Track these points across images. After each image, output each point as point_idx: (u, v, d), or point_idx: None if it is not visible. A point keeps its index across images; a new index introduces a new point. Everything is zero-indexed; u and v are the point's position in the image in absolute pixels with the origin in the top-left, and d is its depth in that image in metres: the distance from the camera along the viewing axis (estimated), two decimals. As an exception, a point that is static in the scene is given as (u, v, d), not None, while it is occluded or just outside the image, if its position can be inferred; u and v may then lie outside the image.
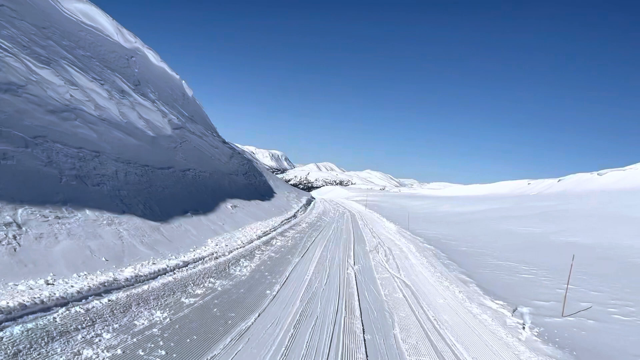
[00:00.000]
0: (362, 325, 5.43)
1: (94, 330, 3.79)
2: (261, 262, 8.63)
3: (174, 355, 3.68)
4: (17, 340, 3.30)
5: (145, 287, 5.26)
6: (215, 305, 5.37)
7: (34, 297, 3.87)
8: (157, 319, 4.46)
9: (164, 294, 5.27)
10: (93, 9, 15.85)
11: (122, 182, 10.00)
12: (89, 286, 4.52)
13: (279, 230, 13.78)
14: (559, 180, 48.15)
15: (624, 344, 5.59)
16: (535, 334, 5.81)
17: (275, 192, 25.40)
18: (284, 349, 4.28)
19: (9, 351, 3.11)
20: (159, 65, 20.06)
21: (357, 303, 6.52)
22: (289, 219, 17.36)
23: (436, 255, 12.16)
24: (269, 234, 12.51)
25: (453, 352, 4.91)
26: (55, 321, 3.72)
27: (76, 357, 3.31)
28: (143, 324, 4.24)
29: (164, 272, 6.07)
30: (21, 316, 3.61)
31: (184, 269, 6.60)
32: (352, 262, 9.84)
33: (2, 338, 3.27)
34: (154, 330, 4.14)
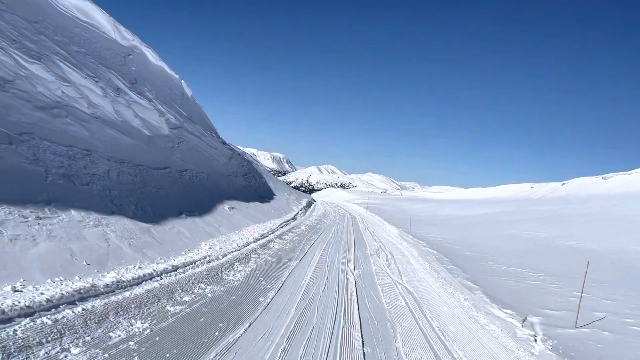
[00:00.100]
0: (362, 337, 5.02)
1: (60, 345, 3.40)
2: (257, 267, 8.23)
3: (151, 372, 3.28)
4: (-29, 356, 2.92)
5: (127, 293, 4.86)
6: (203, 314, 4.97)
7: (-4, 306, 3.48)
8: (136, 330, 4.06)
9: (147, 302, 4.87)
10: (89, 5, 15.54)
11: (114, 181, 9.62)
12: (62, 293, 4.13)
13: (277, 232, 13.37)
14: (563, 184, 47.61)
15: (645, 360, 5.17)
16: (549, 347, 5.39)
17: (275, 194, 25.01)
18: (275, 364, 3.87)
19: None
20: (157, 64, 19.72)
21: (356, 311, 6.11)
22: (288, 221, 16.96)
23: (439, 260, 11.75)
24: (267, 236, 12.11)
25: (460, 368, 4.50)
26: (16, 334, 3.33)
27: (38, 375, 2.92)
28: (119, 336, 3.85)
29: (150, 277, 5.67)
30: (-25, 328, 3.22)
31: (172, 273, 6.20)
32: (352, 267, 9.43)
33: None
34: (131, 343, 3.74)
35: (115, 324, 4.06)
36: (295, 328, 4.97)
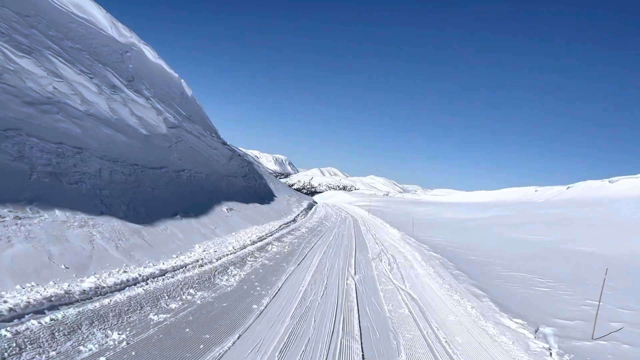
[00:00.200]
0: (362, 351, 4.60)
1: (19, 361, 3.00)
2: (252, 271, 7.82)
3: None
4: None
5: (107, 300, 4.46)
6: (190, 323, 4.57)
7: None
8: (111, 342, 3.66)
9: (128, 310, 4.46)
10: (86, 1, 15.23)
11: (105, 181, 9.25)
12: (29, 301, 3.74)
13: (276, 235, 12.96)
14: (568, 187, 47.00)
15: (671, 377, 4.73)
16: (566, 362, 4.96)
17: (275, 196, 24.62)
18: (264, 382, 3.46)
19: None
20: (156, 62, 19.39)
21: (356, 320, 5.69)
22: (288, 223, 16.55)
23: (443, 265, 11.31)
24: (265, 239, 11.70)
25: (471, 386, 4.08)
26: (-34, 350, 2.94)
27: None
28: (91, 350, 3.45)
29: (135, 282, 5.27)
30: None
31: (159, 278, 5.79)
32: (353, 272, 9.01)
33: None
34: (102, 359, 3.34)
35: (87, 336, 3.66)
36: (290, 340, 4.56)
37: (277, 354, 4.12)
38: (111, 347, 3.59)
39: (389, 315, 6.21)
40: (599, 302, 6.58)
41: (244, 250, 9.59)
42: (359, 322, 5.64)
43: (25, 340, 3.27)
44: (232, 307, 5.45)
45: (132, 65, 15.96)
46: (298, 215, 20.43)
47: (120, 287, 4.93)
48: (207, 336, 4.26)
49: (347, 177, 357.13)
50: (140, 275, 5.48)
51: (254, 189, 21.68)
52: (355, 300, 6.76)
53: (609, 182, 40.15)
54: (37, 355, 3.13)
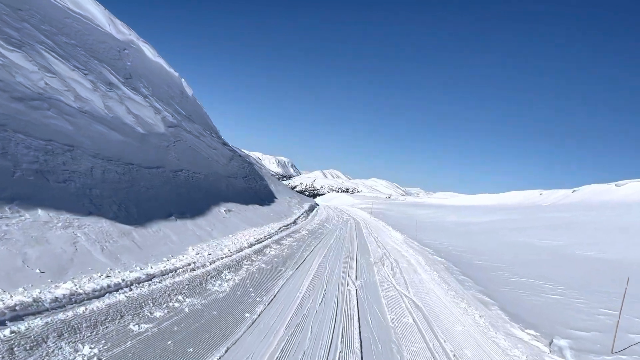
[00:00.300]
0: (362, 366, 4.19)
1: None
2: (248, 275, 7.42)
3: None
4: None
5: (81, 309, 4.06)
6: (173, 334, 4.16)
7: None
8: (80, 358, 3.26)
9: (105, 319, 4.06)
10: (83, -3, 14.94)
11: (97, 180, 8.87)
12: (-11, 311, 3.35)
13: (275, 237, 12.55)
14: (573, 191, 46.36)
15: None
16: (587, 380, 4.52)
17: (276, 197, 24.23)
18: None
19: None
20: (155, 61, 19.06)
21: (357, 331, 5.27)
22: (288, 225, 16.14)
23: (448, 270, 10.87)
24: (263, 241, 11.30)
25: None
26: None
27: None
28: (55, 367, 3.06)
29: (117, 288, 4.87)
30: None
31: (145, 283, 5.39)
32: (354, 277, 8.59)
33: None
34: (65, 378, 2.95)
35: (53, 351, 3.27)
36: (283, 354, 4.15)
37: (267, 370, 3.72)
38: (79, 363, 3.19)
39: (391, 324, 5.79)
40: (620, 312, 6.12)
41: (241, 253, 9.18)
42: (360, 332, 5.22)
43: (-23, 357, 2.89)
44: (222, 315, 5.04)
45: (130, 63, 15.63)
46: (299, 217, 20.02)
47: (100, 293, 4.54)
48: (191, 350, 3.85)
49: (350, 179, 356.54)
50: (123, 280, 5.08)
51: (254, 190, 21.30)
52: (356, 307, 6.35)
53: (616, 185, 39.52)
54: (-12, 375, 2.75)
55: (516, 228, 24.94)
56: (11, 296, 3.76)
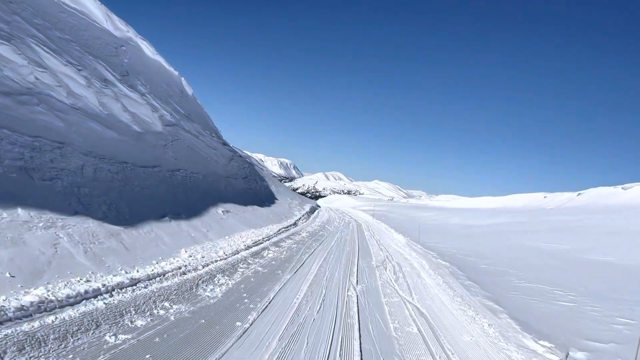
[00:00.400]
0: (363, 384, 3.77)
1: None
2: (243, 279, 7.02)
3: None
4: None
5: (50, 319, 3.67)
6: (153, 347, 3.76)
7: None
8: (41, 376, 2.88)
9: (78, 330, 3.67)
10: (80, -8, 14.61)
11: (87, 178, 8.50)
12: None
13: (274, 239, 12.15)
14: (579, 194, 45.75)
15: None
16: (611, 400, 4.09)
17: (276, 199, 23.83)
18: None
19: None
20: (154, 58, 18.72)
21: (357, 342, 4.86)
22: (287, 227, 15.74)
23: (453, 274, 10.43)
24: (261, 243, 10.89)
25: None
26: None
27: None
28: (9, 388, 2.67)
29: (96, 294, 4.48)
30: None
31: (129, 289, 5.00)
32: (355, 281, 8.17)
33: None
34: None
35: (10, 368, 2.88)
36: (274, 369, 3.74)
37: (256, 390, 3.31)
38: (39, 383, 2.80)
39: (394, 334, 5.37)
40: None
41: (237, 255, 8.78)
42: (360, 344, 4.81)
43: None
44: (211, 324, 4.64)
45: (127, 60, 15.29)
46: (299, 218, 19.62)
47: (75, 300, 4.14)
48: (171, 365, 3.46)
49: (352, 181, 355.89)
50: (104, 285, 4.68)
51: (254, 191, 20.92)
52: (356, 315, 5.93)
53: (622, 188, 38.91)
54: None
55: (521, 231, 24.47)
56: (-31, 304, 3.38)
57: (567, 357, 5.28)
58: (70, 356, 3.24)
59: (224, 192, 16.32)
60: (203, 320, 4.72)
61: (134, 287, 5.12)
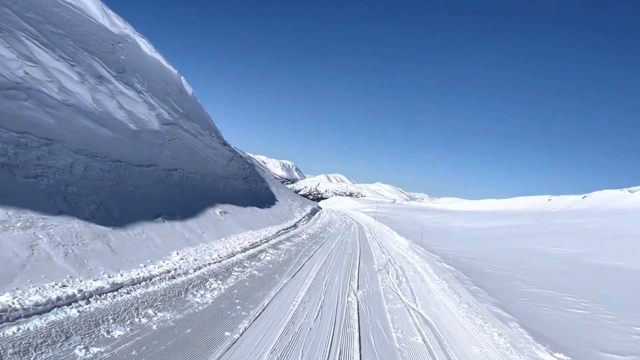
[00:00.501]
0: (362, 405, 3.36)
1: None
2: (237, 284, 6.62)
3: None
4: None
5: (12, 329, 3.28)
6: (130, 361, 3.36)
7: None
8: (-11, 400, 2.50)
9: (43, 342, 3.28)
10: (75, -13, 14.30)
11: (76, 177, 8.13)
12: None
13: (273, 241, 11.75)
14: (584, 197, 45.16)
15: None
16: None
17: (277, 200, 23.45)
18: None
19: None
20: (152, 56, 18.40)
21: (357, 354, 4.45)
22: (287, 228, 15.34)
23: (458, 279, 10.00)
24: (258, 245, 10.49)
25: None
26: None
27: None
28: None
29: (70, 300, 4.09)
30: None
31: (109, 294, 4.60)
32: (356, 286, 7.76)
33: None
34: None
35: (-46, 390, 2.50)
36: (263, 388, 3.34)
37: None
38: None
39: (397, 345, 4.96)
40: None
41: (232, 258, 8.39)
42: (360, 356, 4.40)
43: None
44: (197, 334, 4.24)
45: (124, 57, 14.95)
46: (300, 220, 19.21)
47: (45, 308, 3.75)
48: (146, 384, 3.06)
49: (354, 183, 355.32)
50: (80, 290, 4.29)
51: (254, 192, 20.54)
52: (356, 323, 5.52)
53: (629, 191, 38.32)
54: None
55: (525, 234, 23.99)
56: None
57: (585, 371, 4.85)
58: (29, 374, 2.85)
59: (223, 193, 15.94)
60: (189, 330, 4.32)
61: (115, 292, 4.72)
